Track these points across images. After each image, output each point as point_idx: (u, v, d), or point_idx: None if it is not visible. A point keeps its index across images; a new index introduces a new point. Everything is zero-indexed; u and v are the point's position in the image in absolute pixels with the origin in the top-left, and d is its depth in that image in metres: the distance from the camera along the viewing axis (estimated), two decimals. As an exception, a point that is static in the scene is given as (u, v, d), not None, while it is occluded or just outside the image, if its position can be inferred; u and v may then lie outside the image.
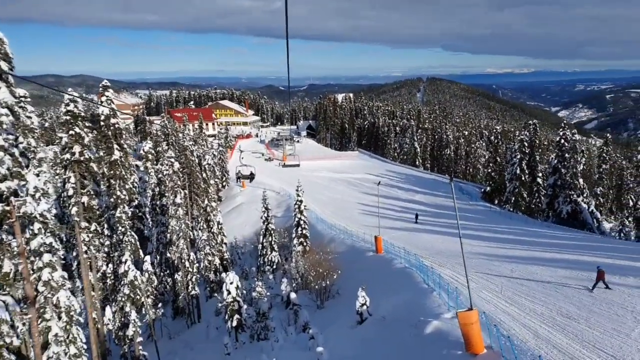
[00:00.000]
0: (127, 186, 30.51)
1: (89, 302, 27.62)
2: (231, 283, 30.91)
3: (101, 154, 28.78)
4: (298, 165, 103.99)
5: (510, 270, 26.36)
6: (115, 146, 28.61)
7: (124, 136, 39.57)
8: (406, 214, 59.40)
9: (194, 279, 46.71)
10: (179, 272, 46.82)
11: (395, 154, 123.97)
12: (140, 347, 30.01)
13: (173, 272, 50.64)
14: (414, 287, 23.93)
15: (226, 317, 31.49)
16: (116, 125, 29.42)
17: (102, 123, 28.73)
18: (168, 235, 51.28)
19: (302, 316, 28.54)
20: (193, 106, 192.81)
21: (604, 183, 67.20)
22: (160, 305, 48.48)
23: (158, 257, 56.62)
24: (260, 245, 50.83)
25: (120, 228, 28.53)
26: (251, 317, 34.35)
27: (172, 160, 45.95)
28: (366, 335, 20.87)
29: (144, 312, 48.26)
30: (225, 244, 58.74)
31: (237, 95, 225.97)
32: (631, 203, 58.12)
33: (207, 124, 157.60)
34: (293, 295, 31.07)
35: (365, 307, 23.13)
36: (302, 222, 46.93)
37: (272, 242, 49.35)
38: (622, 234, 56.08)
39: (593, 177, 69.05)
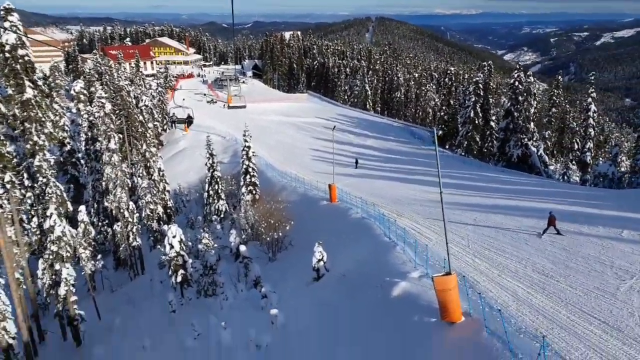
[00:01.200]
0: (46, 130, 26.26)
1: (9, 262, 24.13)
2: (174, 237, 28.20)
3: (10, 91, 24.22)
4: (244, 107, 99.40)
5: (474, 219, 25.29)
6: (27, 83, 24.06)
7: (41, 73, 34.37)
8: (362, 160, 57.90)
9: (134, 230, 43.41)
10: (118, 222, 43.31)
11: (346, 97, 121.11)
12: (76, 307, 27.19)
13: (112, 222, 46.99)
14: (374, 240, 22.31)
15: (170, 273, 29.00)
16: (26, 58, 24.67)
17: (7, 55, 23.92)
18: (104, 183, 47.08)
19: (253, 270, 26.58)
20: (129, 44, 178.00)
21: (552, 127, 68.31)
22: (99, 257, 45.10)
23: (95, 206, 52.48)
24: (206, 194, 47.87)
25: (41, 178, 24.66)
26: (197, 271, 32.02)
27: (104, 101, 41.14)
28: (324, 296, 19.18)
29: (81, 264, 44.90)
30: (168, 191, 55.22)
31: (177, 32, 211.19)
32: (576, 146, 59.35)
33: (144, 63, 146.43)
34: (242, 247, 28.91)
35: (322, 262, 21.33)
36: (250, 170, 44.18)
37: (219, 190, 46.51)
38: (565, 177, 57.52)
39: (542, 120, 69.88)
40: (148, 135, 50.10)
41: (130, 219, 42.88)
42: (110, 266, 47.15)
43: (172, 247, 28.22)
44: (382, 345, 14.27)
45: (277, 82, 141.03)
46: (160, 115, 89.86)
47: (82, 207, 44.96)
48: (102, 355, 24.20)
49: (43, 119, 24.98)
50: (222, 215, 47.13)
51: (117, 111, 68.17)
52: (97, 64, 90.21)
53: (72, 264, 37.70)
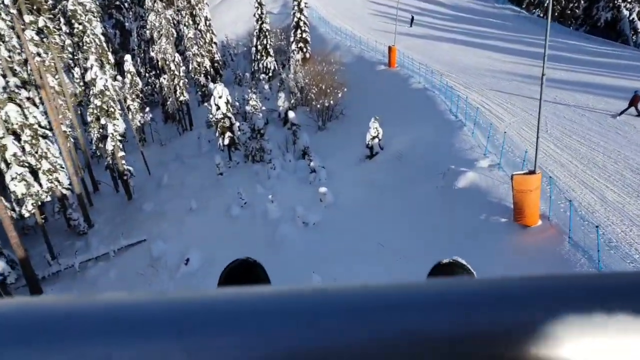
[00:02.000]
0: None
1: (53, 114, 23.65)
2: (220, 97, 26.65)
3: None
4: None
5: (554, 97, 21.95)
6: None
7: None
8: (424, 18, 51.95)
9: (181, 84, 42.28)
10: (165, 75, 42.08)
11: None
12: (124, 162, 27.32)
13: (159, 74, 45.89)
14: (438, 117, 19.89)
15: (217, 134, 28.13)
16: None
17: None
18: (147, 32, 44.79)
19: (301, 139, 25.17)
20: None
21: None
22: (147, 110, 45.12)
23: (142, 55, 51.07)
24: (253, 49, 45.03)
25: (77, 25, 22.76)
26: (245, 134, 31.11)
27: None
28: (378, 178, 17.65)
29: (130, 116, 45.15)
30: (215, 43, 52.61)
31: None
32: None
33: None
34: (291, 114, 27.22)
35: (377, 139, 19.42)
36: (301, 24, 40.42)
37: (268, 46, 43.49)
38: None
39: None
40: (192, -21, 45.86)
41: (176, 72, 41.47)
42: (159, 119, 47.31)
43: (218, 108, 26.86)
44: (441, 240, 12.93)
45: None
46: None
47: (128, 57, 43.65)
48: (151, 212, 24.67)
49: None
50: (270, 74, 44.79)
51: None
52: None
53: (122, 116, 37.86)
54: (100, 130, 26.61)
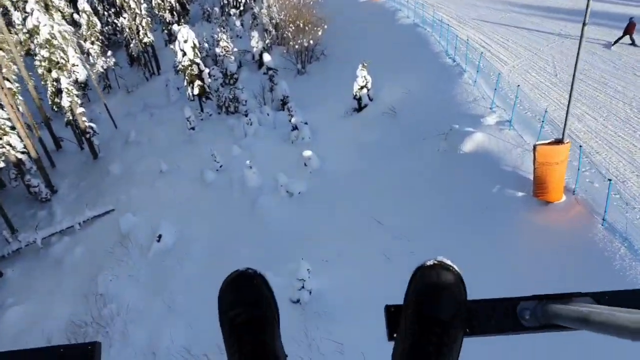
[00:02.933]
0: None
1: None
2: (185, 41, 23.63)
3: None
4: None
5: (560, 30, 19.65)
6: None
7: None
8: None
9: (144, 23, 38.32)
10: (125, 14, 37.97)
11: None
12: (85, 119, 24.60)
13: (119, 12, 41.53)
14: (433, 61, 17.63)
15: (185, 83, 25.39)
16: None
17: None
18: (98, -35, 39.95)
19: (279, 87, 22.65)
20: None
21: None
22: (110, 54, 41.23)
23: (97, -8, 46.04)
24: (222, -21, 40.72)
25: None
26: (217, 80, 28.35)
27: None
28: (369, 137, 15.60)
29: (90, 60, 41.25)
30: (179, -26, 47.55)
31: None
32: None
33: None
34: (267, 57, 24.47)
35: (365, 90, 17.16)
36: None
37: (237, -24, 39.25)
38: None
39: None
40: None
41: (137, 10, 37.40)
42: (124, 62, 43.47)
43: (184, 53, 23.92)
44: (446, 216, 11.28)
45: None
46: None
47: (82, -6, 39.17)
48: (119, 174, 22.45)
49: None
50: (241, 8, 40.93)
51: None
52: None
53: (82, 62, 34.29)
54: (54, 83, 23.62)
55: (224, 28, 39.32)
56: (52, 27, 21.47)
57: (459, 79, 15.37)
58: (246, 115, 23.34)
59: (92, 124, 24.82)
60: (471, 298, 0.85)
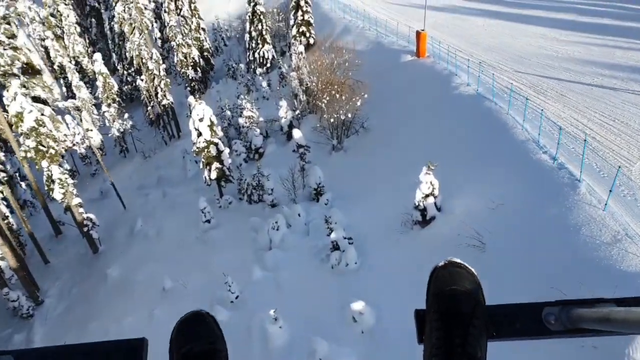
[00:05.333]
0: None
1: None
2: (201, 120, 19.86)
3: None
4: None
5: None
6: None
7: None
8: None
9: (162, 85, 35.36)
10: (142, 75, 35.16)
11: None
12: (82, 211, 20.86)
13: (138, 72, 38.87)
14: (520, 156, 13.06)
15: (201, 166, 21.52)
16: None
17: None
18: (115, 26, 37.66)
19: (312, 174, 18.38)
20: None
21: None
22: (127, 116, 38.41)
23: (117, 50, 43.95)
24: (247, 36, 37.78)
25: None
26: (239, 155, 24.51)
27: None
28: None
29: (106, 124, 38.42)
30: (204, 29, 45.27)
31: None
32: None
33: None
34: (297, 133, 20.42)
35: (432, 198, 12.63)
36: (302, 3, 33.09)
37: (263, 32, 36.19)
38: None
39: None
40: (169, -46, 38.21)
41: (156, 71, 34.52)
42: (144, 122, 40.43)
43: (200, 134, 20.12)
44: None
45: None
46: None
47: (97, 56, 36.68)
48: (117, 279, 18.41)
49: None
50: (268, 64, 37.69)
51: None
52: None
53: (98, 122, 31.15)
54: (49, 172, 20.04)
55: (249, 88, 36.22)
56: (43, 109, 18.01)
57: (573, 195, 10.67)
58: (272, 206, 19.17)
59: (90, 215, 21.04)
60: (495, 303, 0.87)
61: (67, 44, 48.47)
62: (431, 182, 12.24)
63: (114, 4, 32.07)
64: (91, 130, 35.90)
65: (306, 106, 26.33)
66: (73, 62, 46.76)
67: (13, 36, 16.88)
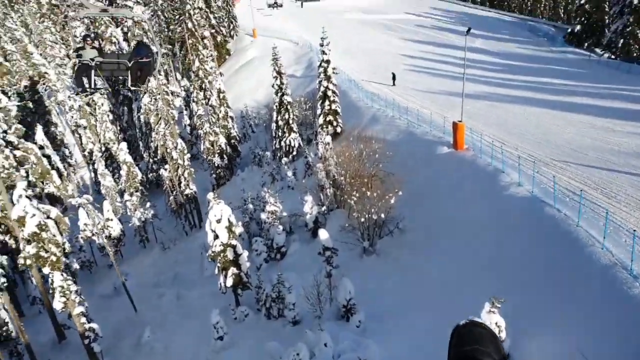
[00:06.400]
0: None
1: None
2: (218, 221, 18.04)
3: None
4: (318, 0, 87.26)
5: None
6: None
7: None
8: (472, 70, 43.38)
9: (186, 174, 34.46)
10: (166, 165, 34.43)
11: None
12: (84, 321, 18.67)
13: (160, 162, 38.33)
14: (610, 292, 10.41)
15: (216, 270, 19.38)
16: None
17: None
18: (141, 117, 37.85)
19: (341, 287, 15.95)
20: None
21: None
22: (149, 205, 37.31)
23: (144, 139, 44.11)
24: (274, 124, 37.17)
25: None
26: (259, 254, 22.38)
27: (135, 1, 30.05)
28: None
29: (128, 212, 37.31)
30: (232, 117, 45.30)
31: None
32: None
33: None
34: (324, 234, 18.23)
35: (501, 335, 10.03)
36: (330, 93, 32.43)
37: (290, 121, 35.50)
38: None
39: None
40: (200, 47, 39.00)
41: (180, 161, 33.75)
42: (165, 211, 39.14)
43: (217, 236, 18.23)
44: None
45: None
46: (227, 20, 78.18)
47: (123, 145, 36.51)
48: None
49: None
50: (294, 152, 36.62)
51: (177, 16, 57.67)
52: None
53: (120, 211, 29.68)
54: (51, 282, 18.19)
55: (274, 177, 34.94)
56: (49, 211, 16.55)
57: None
58: (294, 323, 16.60)
59: (93, 326, 18.81)
60: None
61: (99, 131, 49.24)
62: (496, 323, 9.69)
63: (141, 95, 32.02)
64: (111, 219, 34.68)
65: (333, 200, 24.43)
66: (104, 148, 47.10)
67: (25, 135, 15.92)
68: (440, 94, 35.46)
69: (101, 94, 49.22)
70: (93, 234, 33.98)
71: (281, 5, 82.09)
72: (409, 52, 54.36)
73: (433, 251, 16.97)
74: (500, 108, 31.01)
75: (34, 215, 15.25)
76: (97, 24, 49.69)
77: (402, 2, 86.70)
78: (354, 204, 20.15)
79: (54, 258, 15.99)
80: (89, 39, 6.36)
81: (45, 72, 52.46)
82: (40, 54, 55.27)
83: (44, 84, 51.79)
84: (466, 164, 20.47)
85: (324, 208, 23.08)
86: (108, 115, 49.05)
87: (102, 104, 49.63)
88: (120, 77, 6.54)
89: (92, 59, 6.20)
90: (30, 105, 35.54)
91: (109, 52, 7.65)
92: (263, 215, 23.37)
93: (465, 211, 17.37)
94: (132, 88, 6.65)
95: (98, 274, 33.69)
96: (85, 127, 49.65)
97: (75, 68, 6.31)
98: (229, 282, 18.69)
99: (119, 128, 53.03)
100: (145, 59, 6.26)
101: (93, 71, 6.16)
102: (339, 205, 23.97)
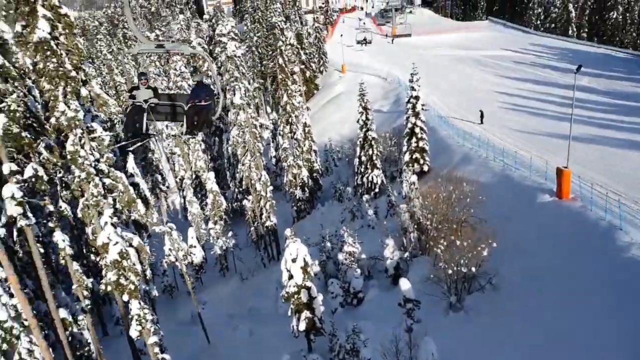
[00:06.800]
0: (82, 95, 15.68)
1: (50, 296, 15.99)
2: (294, 260, 17.28)
3: (18, 28, 14.49)
4: (409, 35, 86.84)
5: None
6: (44, 12, 13.91)
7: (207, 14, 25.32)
8: (578, 110, 39.85)
9: (267, 206, 34.54)
10: (249, 196, 34.82)
11: (539, 22, 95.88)
12: (157, 351, 18.57)
13: (245, 192, 38.90)
14: None
15: (289, 312, 18.51)
16: None
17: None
18: (229, 148, 38.89)
19: (423, 348, 14.29)
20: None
21: None
22: (230, 234, 37.85)
23: (231, 169, 45.38)
24: (356, 160, 36.41)
25: (78, 173, 14.91)
26: (335, 298, 21.24)
27: (225, 40, 31.27)
28: None
29: (210, 240, 38.00)
30: (315, 151, 45.33)
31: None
32: None
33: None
34: (405, 284, 16.65)
35: None
36: (417, 130, 31.11)
37: (373, 157, 34.53)
38: None
39: None
40: (289, 82, 39.71)
41: (262, 193, 33.95)
42: (245, 241, 39.41)
43: (291, 276, 17.45)
44: None
45: (450, 10, 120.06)
46: (317, 56, 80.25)
47: (211, 175, 37.70)
48: None
49: (79, 77, 14.90)
50: (376, 189, 35.43)
51: (271, 52, 59.92)
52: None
53: (204, 238, 30.09)
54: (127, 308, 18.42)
55: (354, 214, 33.92)
56: (132, 239, 16.78)
57: None
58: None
59: (166, 357, 18.64)
60: None
61: (190, 159, 51.67)
62: None
63: (230, 127, 32.90)
64: (194, 246, 35.57)
65: (417, 245, 22.78)
66: (194, 176, 49.19)
67: (115, 164, 16.44)
68: (540, 135, 32.69)
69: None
70: (176, 260, 35.02)
71: (370, 42, 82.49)
72: (505, 89, 51.57)
73: (531, 313, 14.83)
74: (614, 154, 27.74)
75: (116, 243, 15.50)
76: (197, 58, 52.94)
77: (497, 39, 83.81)
78: (441, 252, 18.46)
79: (132, 286, 16.06)
80: (143, 77, 5.80)
81: (149, 103, 56.54)
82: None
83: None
84: (573, 216, 18.05)
85: (406, 254, 21.51)
86: (200, 145, 51.41)
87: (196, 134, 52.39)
88: (174, 122, 5.91)
89: (146, 101, 5.63)
90: (122, 135, 38.24)
91: (165, 91, 6.88)
92: (340, 256, 22.33)
93: (570, 271, 15.09)
94: (185, 136, 5.99)
95: (179, 299, 34.38)
96: (178, 155, 52.37)
97: (127, 110, 5.75)
98: (302, 325, 17.70)
99: (209, 157, 55.41)
100: (204, 102, 5.54)
101: (145, 114, 5.54)
102: (423, 251, 22.29)
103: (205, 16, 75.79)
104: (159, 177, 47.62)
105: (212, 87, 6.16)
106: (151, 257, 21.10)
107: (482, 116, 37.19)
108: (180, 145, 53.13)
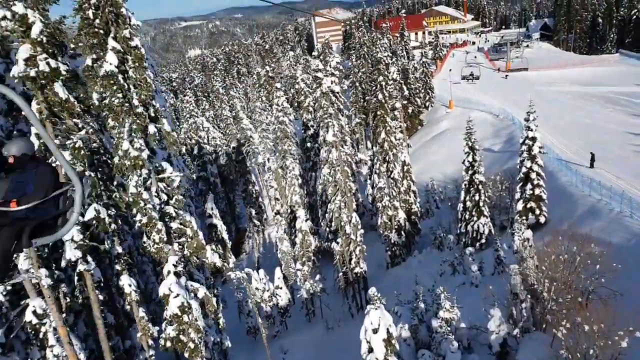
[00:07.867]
0: (151, 129, 14.64)
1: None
2: (375, 331, 14.63)
3: (89, 62, 14.01)
4: (526, 69, 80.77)
5: None
6: (113, 44, 13.26)
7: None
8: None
9: (357, 251, 32.10)
10: (339, 239, 32.74)
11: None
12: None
13: (334, 233, 36.93)
14: None
15: (368, 389, 15.69)
16: (120, 10, 13.64)
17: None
18: (319, 187, 37.33)
19: None
20: (404, 15, 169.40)
21: None
22: (318, 277, 35.87)
23: (322, 208, 43.81)
24: (460, 205, 32.76)
25: (139, 217, 13.94)
26: (425, 373, 17.95)
27: (320, 75, 30.15)
28: None
29: (298, 282, 36.29)
30: (415, 192, 42.23)
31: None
32: None
33: (415, 34, 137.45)
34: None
35: None
36: (533, 175, 26.97)
37: (480, 203, 30.67)
38: None
39: None
40: (388, 119, 37.57)
41: (352, 236, 31.68)
42: (333, 285, 37.08)
43: (371, 350, 14.78)
44: None
45: (572, 43, 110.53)
46: (423, 91, 77.55)
47: (301, 212, 36.39)
48: None
49: (148, 114, 14.01)
50: (482, 240, 31.36)
51: (373, 87, 58.81)
52: (362, 36, 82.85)
53: (291, 281, 28.65)
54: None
55: (455, 268, 30.12)
56: (197, 290, 15.43)
57: None
58: None
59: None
60: None
61: (287, 193, 51.31)
62: None
63: (322, 166, 31.43)
64: (281, 288, 34.16)
65: (530, 317, 18.75)
66: (289, 210, 48.59)
67: (185, 207, 15.35)
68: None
69: (294, 158, 51.55)
70: (262, 300, 33.77)
71: (477, 77, 77.76)
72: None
73: None
74: None
75: (177, 295, 14.18)
76: (299, 94, 53.11)
77: (630, 73, 74.52)
78: (562, 336, 14.58)
79: (192, 345, 14.55)
80: None
81: (251, 136, 58.04)
82: (249, 119, 61.81)
83: (248, 146, 57.25)
84: None
85: (516, 331, 17.65)
86: (297, 179, 50.96)
87: (294, 168, 52.10)
88: None
89: None
90: (194, 177, 38.67)
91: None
92: (435, 322, 19.07)
93: None
94: None
95: (262, 343, 32.95)
96: (276, 189, 52.37)
97: None
98: (381, 409, 14.80)
99: (305, 192, 54.81)
100: (31, 203, 2.37)
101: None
102: (538, 326, 18.25)
103: (314, 53, 77.27)
104: (252, 211, 47.58)
105: (56, 169, 3.40)
106: (224, 307, 19.72)
107: (592, 159, 31.91)
108: (278, 179, 53.18)
